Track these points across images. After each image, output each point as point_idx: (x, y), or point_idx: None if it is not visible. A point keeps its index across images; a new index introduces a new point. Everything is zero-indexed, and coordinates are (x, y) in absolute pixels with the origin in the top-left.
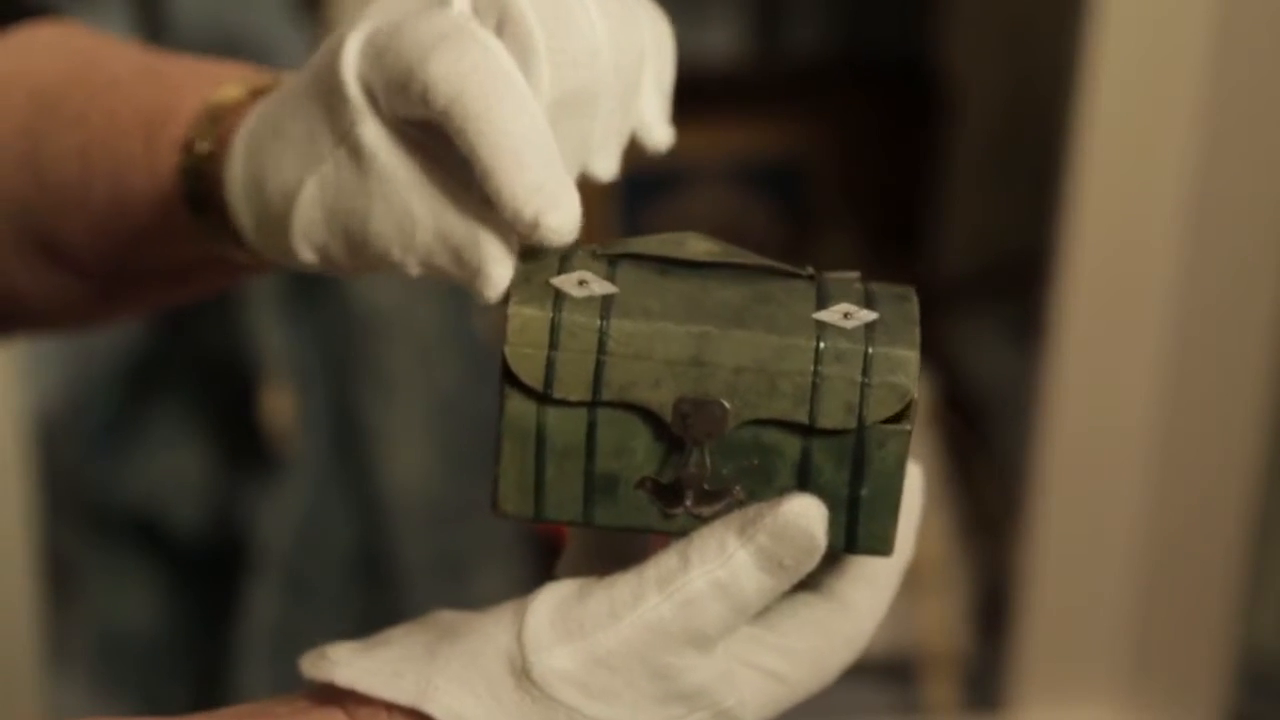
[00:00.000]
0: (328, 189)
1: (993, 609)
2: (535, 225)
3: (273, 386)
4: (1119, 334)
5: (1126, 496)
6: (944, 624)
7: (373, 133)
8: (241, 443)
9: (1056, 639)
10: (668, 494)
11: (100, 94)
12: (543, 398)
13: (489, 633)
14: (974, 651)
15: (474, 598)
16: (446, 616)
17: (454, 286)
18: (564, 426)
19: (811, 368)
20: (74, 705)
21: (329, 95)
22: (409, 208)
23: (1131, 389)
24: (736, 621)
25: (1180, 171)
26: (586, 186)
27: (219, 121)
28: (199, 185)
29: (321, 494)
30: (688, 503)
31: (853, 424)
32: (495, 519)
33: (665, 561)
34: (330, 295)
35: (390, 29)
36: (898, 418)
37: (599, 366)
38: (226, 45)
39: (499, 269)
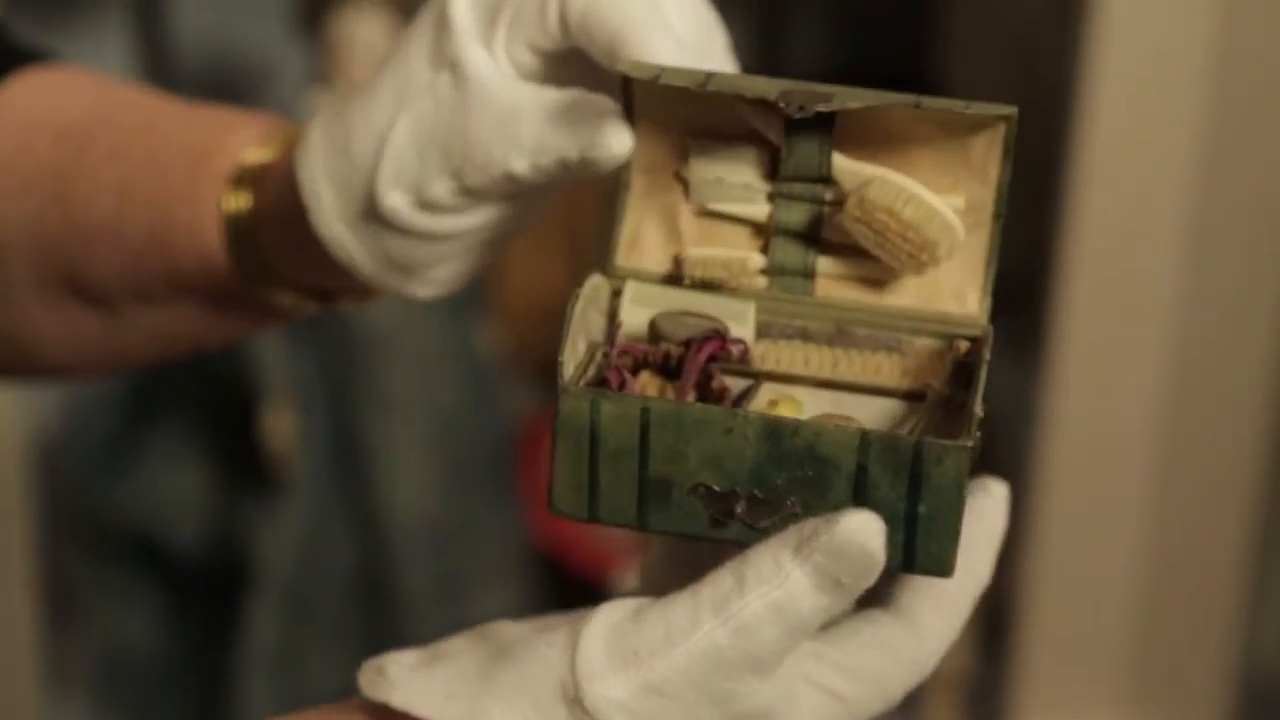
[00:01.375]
0: (424, 116)
1: (995, 626)
2: None
3: (273, 407)
4: (1120, 350)
5: (1128, 513)
6: None
7: (477, 54)
8: (242, 463)
9: (1059, 656)
10: (720, 501)
11: (139, 133)
12: (596, 394)
13: (542, 655)
14: (976, 668)
15: (474, 618)
16: (504, 630)
17: (454, 305)
18: (618, 428)
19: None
20: None
21: (433, 33)
22: (511, 101)
23: (1133, 405)
24: (795, 643)
25: (1181, 190)
26: (582, 195)
27: (261, 175)
28: (242, 236)
29: (322, 514)
30: (739, 511)
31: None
32: (496, 535)
33: (721, 582)
34: (331, 316)
35: None
36: (957, 432)
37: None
38: (227, 64)
39: (618, 122)
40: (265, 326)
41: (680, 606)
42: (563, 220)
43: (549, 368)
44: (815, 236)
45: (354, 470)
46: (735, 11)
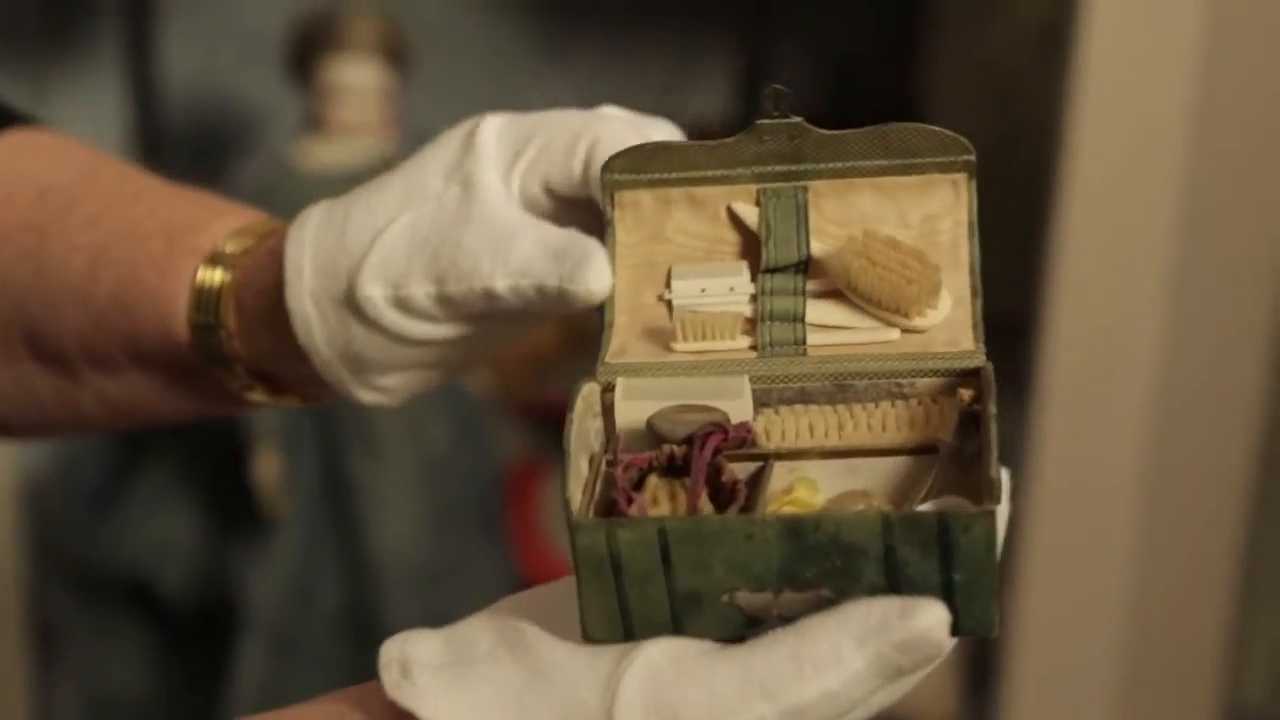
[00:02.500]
0: (424, 219)
1: (981, 667)
2: None
3: (262, 449)
4: (1105, 391)
5: (1114, 552)
6: (933, 683)
7: (492, 177)
8: (230, 505)
9: (1044, 698)
10: (753, 604)
11: (123, 202)
12: (610, 524)
13: (580, 693)
14: (963, 710)
15: None
16: (541, 647)
17: None
18: (638, 552)
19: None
20: None
21: (457, 151)
22: (510, 224)
23: (1118, 446)
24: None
25: (1165, 231)
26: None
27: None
28: (206, 308)
29: (310, 555)
30: (775, 612)
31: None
32: (484, 577)
33: (774, 662)
34: None
35: (534, 116)
36: (973, 486)
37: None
38: (219, 108)
39: (601, 262)
40: (213, 411)
41: (728, 679)
42: None
43: (536, 410)
44: (800, 315)
45: (342, 512)
46: (721, 55)
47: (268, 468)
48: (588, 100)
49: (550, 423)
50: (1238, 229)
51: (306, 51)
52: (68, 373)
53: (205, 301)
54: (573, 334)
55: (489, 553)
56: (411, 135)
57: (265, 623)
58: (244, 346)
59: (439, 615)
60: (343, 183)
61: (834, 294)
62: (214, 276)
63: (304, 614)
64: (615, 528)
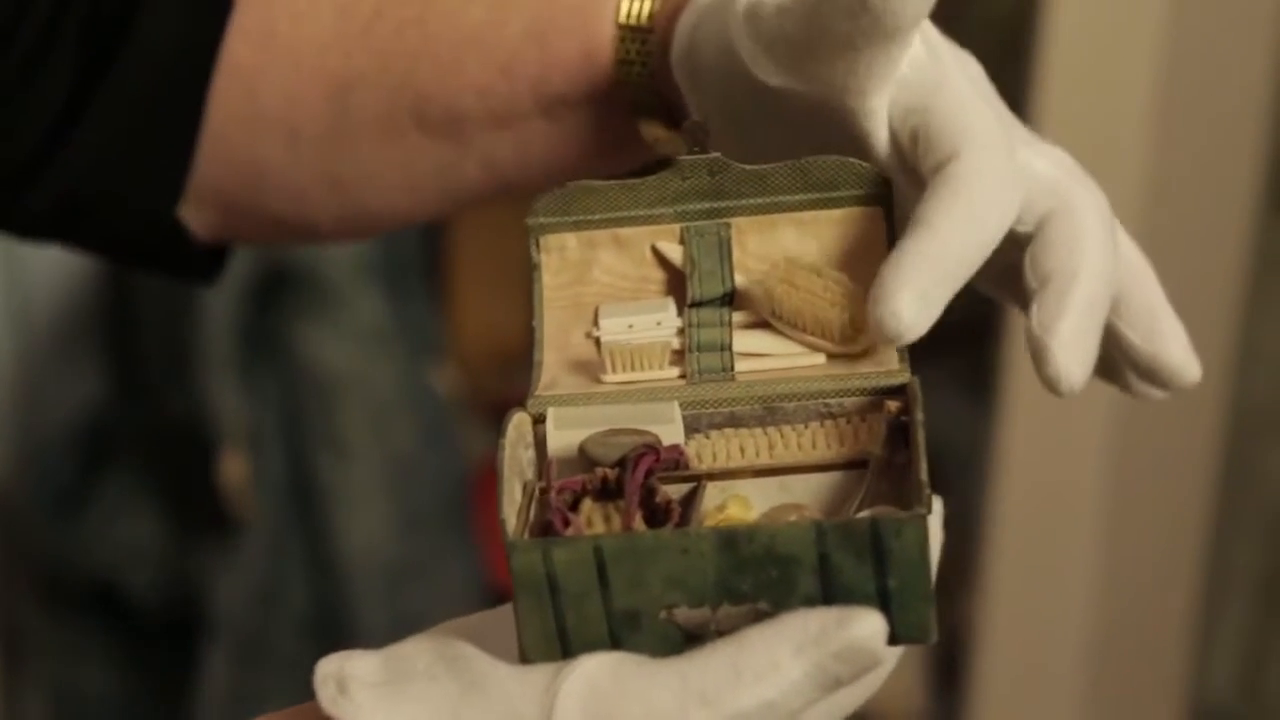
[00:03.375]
0: None
1: (948, 666)
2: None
3: (228, 451)
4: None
5: (1079, 551)
6: (899, 683)
7: None
8: (198, 508)
9: (1012, 694)
10: (691, 619)
11: None
12: (545, 543)
13: (517, 706)
14: (930, 709)
15: None
16: (478, 664)
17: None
18: (574, 571)
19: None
20: None
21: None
22: None
23: (1083, 443)
24: None
25: (1126, 226)
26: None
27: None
28: (636, 31)
29: (278, 558)
30: (712, 626)
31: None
32: (453, 577)
33: (712, 671)
34: (285, 358)
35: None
36: (906, 497)
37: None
38: None
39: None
40: (604, 163)
41: (666, 688)
42: (523, 264)
43: (504, 410)
44: (728, 344)
45: (309, 513)
46: None
47: (234, 470)
48: None
49: None
50: (1205, 231)
51: None
52: (456, 138)
53: (632, 29)
54: None
55: (458, 553)
56: None
57: (232, 625)
58: (670, 82)
59: (408, 616)
60: None
61: (760, 325)
62: (641, 4)
63: (271, 616)
64: (550, 547)
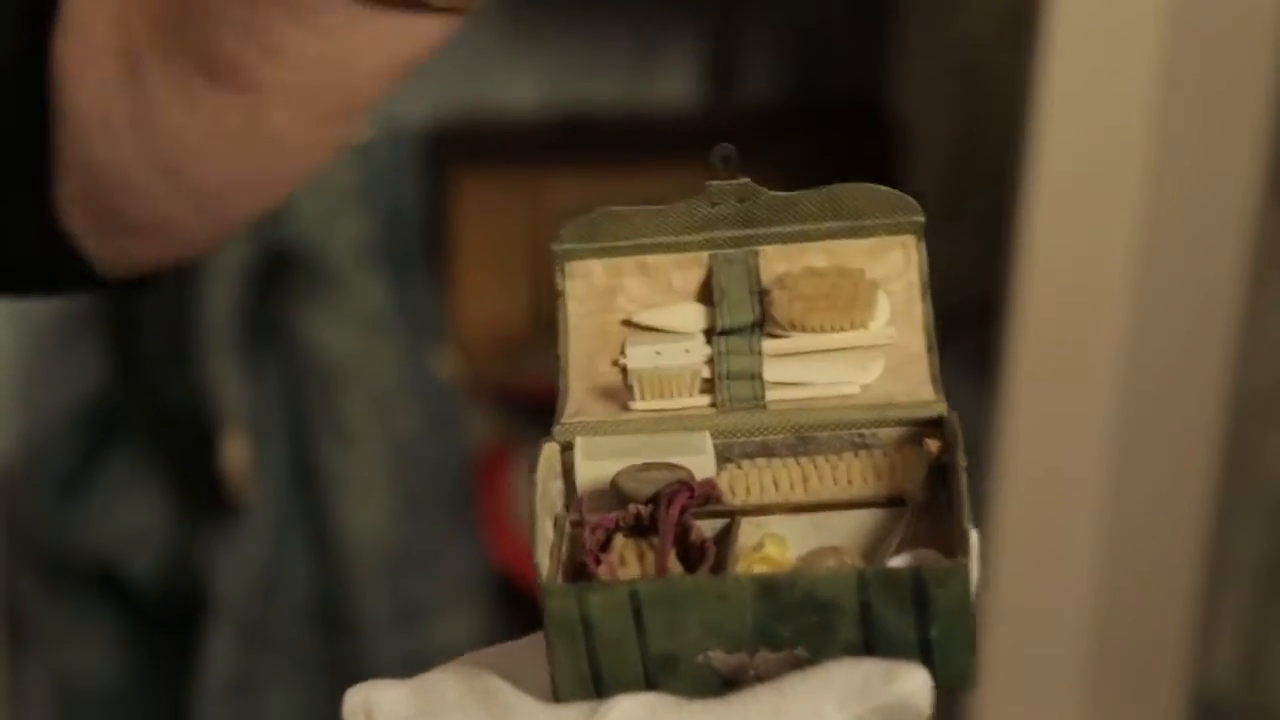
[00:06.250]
0: None
1: None
2: None
3: (230, 435)
4: (1073, 374)
5: (1080, 540)
6: None
7: None
8: (200, 492)
9: (1012, 682)
10: (729, 664)
11: None
12: (581, 588)
13: None
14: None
15: (434, 645)
16: (510, 700)
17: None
18: (610, 616)
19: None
20: None
21: None
22: None
23: (1085, 428)
24: None
25: (1130, 213)
26: (541, 226)
27: None
28: None
29: (280, 542)
30: (751, 673)
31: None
32: (455, 564)
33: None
34: (287, 343)
35: None
36: (946, 539)
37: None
38: None
39: None
40: (397, 63)
41: None
42: (524, 250)
43: (507, 395)
44: (758, 372)
45: (311, 498)
46: (687, 38)
47: (236, 454)
48: (553, 83)
49: (521, 408)
50: (1206, 212)
51: None
52: (245, 82)
53: None
54: (543, 316)
55: (460, 539)
56: (378, 119)
57: (234, 610)
58: None
59: (410, 602)
60: None
61: (788, 354)
62: None
63: (273, 601)
64: (586, 592)
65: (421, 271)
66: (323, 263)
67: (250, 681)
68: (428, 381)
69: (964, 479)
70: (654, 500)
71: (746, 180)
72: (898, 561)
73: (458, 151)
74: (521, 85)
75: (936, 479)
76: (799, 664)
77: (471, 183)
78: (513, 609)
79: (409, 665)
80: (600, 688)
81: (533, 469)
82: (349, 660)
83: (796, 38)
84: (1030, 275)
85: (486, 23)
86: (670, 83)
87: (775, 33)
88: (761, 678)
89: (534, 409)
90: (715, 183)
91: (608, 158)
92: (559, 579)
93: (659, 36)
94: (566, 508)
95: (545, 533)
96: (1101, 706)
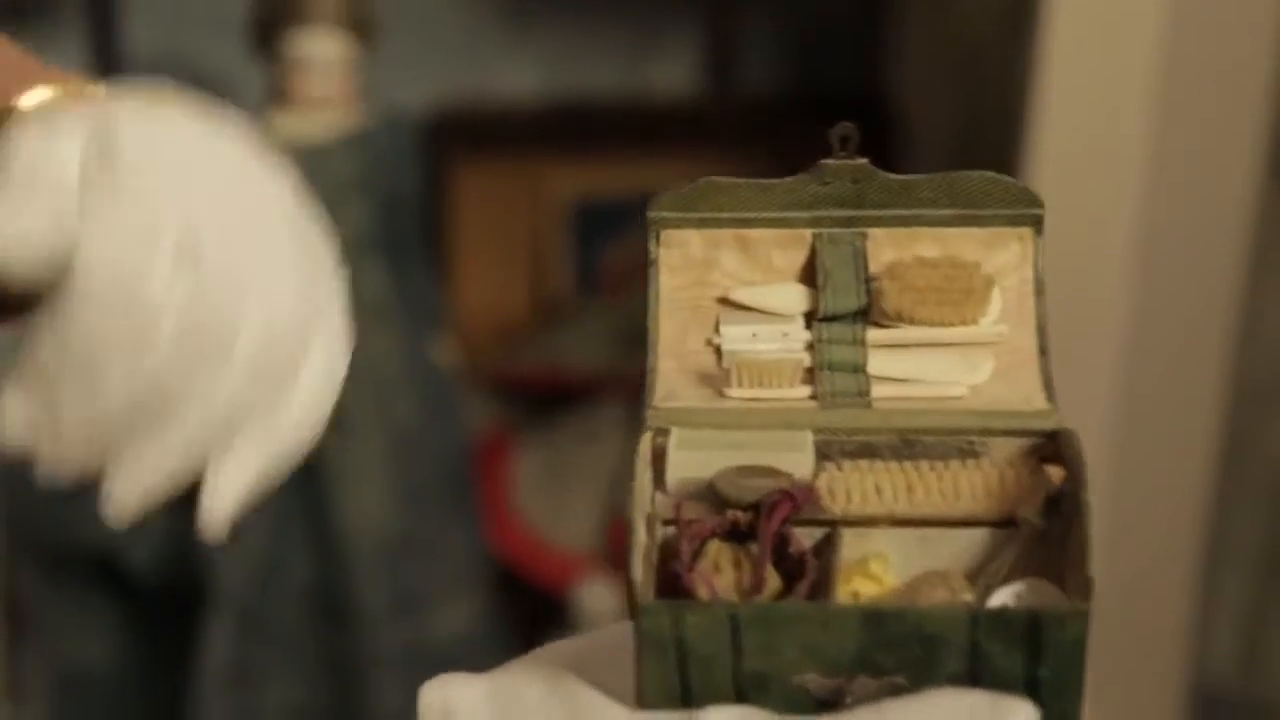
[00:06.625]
0: None
1: None
2: None
3: None
4: (1073, 362)
5: None
6: None
7: None
8: (199, 481)
9: None
10: (826, 687)
11: None
12: (678, 608)
13: None
14: None
15: (433, 633)
16: (590, 704)
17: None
18: (706, 637)
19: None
20: None
21: None
22: None
23: (1085, 415)
24: None
25: (1129, 203)
26: (540, 214)
27: None
28: None
29: (279, 532)
30: (848, 700)
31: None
32: (455, 551)
33: None
34: None
35: None
36: (1055, 567)
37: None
38: (183, 81)
39: None
40: None
41: None
42: (523, 238)
43: (506, 383)
44: (862, 365)
45: (311, 488)
46: (686, 28)
47: None
48: (553, 72)
49: (519, 396)
50: (1204, 203)
51: (270, 24)
52: None
53: None
54: (542, 305)
55: (460, 527)
56: (376, 108)
57: (234, 599)
58: None
59: (410, 589)
60: (307, 156)
61: (893, 346)
62: None
63: (273, 590)
64: (683, 612)
65: (420, 259)
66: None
67: (249, 670)
68: (427, 369)
69: (1091, 516)
70: (754, 508)
71: (864, 161)
72: (1007, 591)
73: (457, 140)
74: (521, 74)
75: (1049, 505)
76: (897, 691)
77: (471, 171)
78: (512, 597)
79: (409, 654)
80: (689, 700)
81: (633, 473)
82: (348, 649)
83: (795, 28)
84: None
85: (487, 11)
86: (670, 72)
87: (774, 23)
88: (858, 702)
89: (533, 397)
90: (830, 160)
91: (607, 146)
92: (651, 587)
93: (659, 26)
94: (653, 502)
95: (639, 538)
96: (1100, 695)
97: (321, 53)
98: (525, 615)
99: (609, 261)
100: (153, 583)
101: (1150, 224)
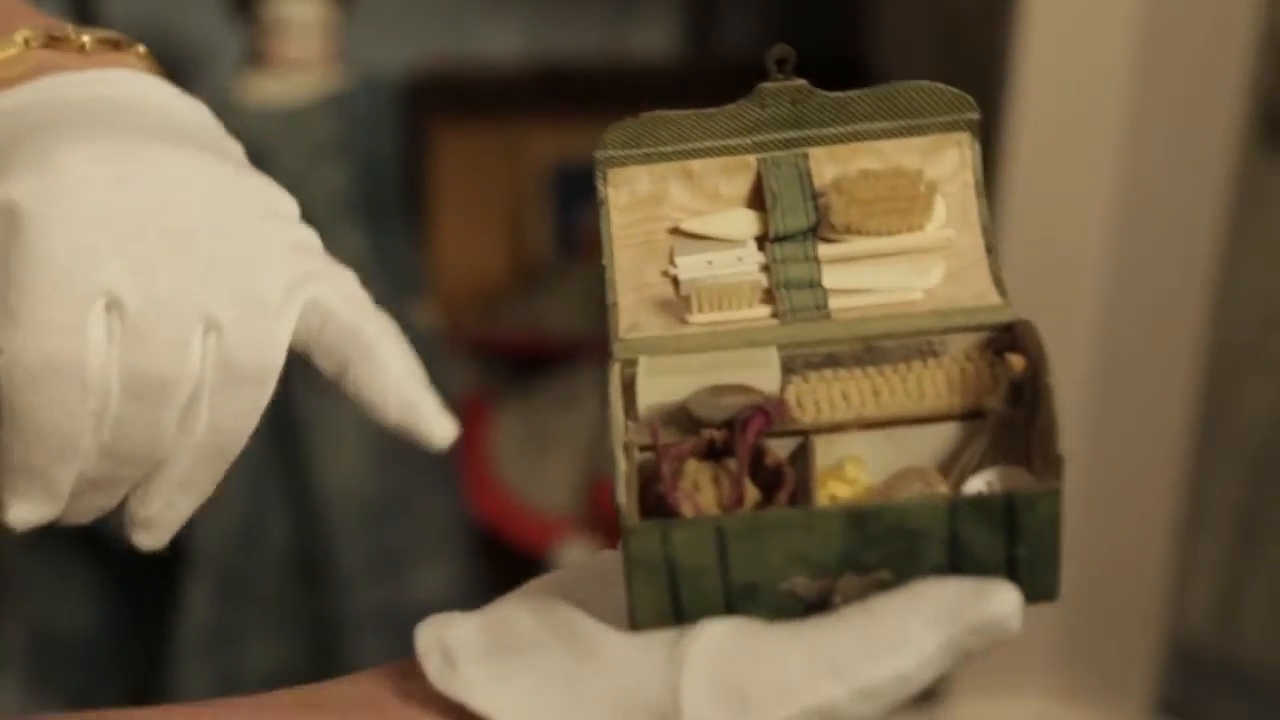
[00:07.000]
0: None
1: None
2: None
3: None
4: (1053, 323)
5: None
6: None
7: None
8: None
9: None
10: (814, 590)
11: None
12: (665, 526)
13: (639, 677)
14: None
15: (413, 594)
16: (588, 631)
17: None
18: (693, 551)
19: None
20: (7, 705)
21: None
22: None
23: (1065, 378)
24: (903, 701)
25: (1110, 167)
26: (519, 177)
27: None
28: None
29: (258, 493)
30: (836, 599)
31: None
32: (434, 513)
33: (843, 643)
34: None
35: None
36: (1024, 453)
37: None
38: (160, 45)
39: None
40: None
41: (796, 658)
42: (503, 201)
43: (485, 345)
44: (818, 280)
45: (290, 449)
46: None
47: None
48: (532, 34)
49: (499, 358)
50: (1183, 171)
51: None
52: None
53: None
54: (521, 268)
55: (439, 488)
56: (355, 70)
57: (213, 561)
58: None
59: (389, 551)
60: (285, 118)
61: (846, 259)
62: None
63: (252, 552)
64: (670, 529)
65: (399, 222)
66: (299, 214)
67: (228, 632)
68: (406, 332)
69: (1056, 402)
70: (728, 425)
71: (802, 81)
72: (980, 479)
73: (436, 102)
74: (501, 36)
75: (1012, 393)
76: (883, 586)
77: (450, 133)
78: (492, 558)
79: (388, 615)
80: (680, 617)
81: (609, 402)
82: (327, 611)
83: None
84: (1011, 228)
85: None
86: (649, 34)
87: None
88: (846, 601)
89: (513, 360)
90: (768, 84)
91: (587, 109)
92: (636, 510)
93: None
94: (627, 429)
95: (620, 465)
96: (1079, 653)
97: (300, 14)
98: (504, 577)
99: (589, 224)
100: (131, 545)
101: (1130, 186)
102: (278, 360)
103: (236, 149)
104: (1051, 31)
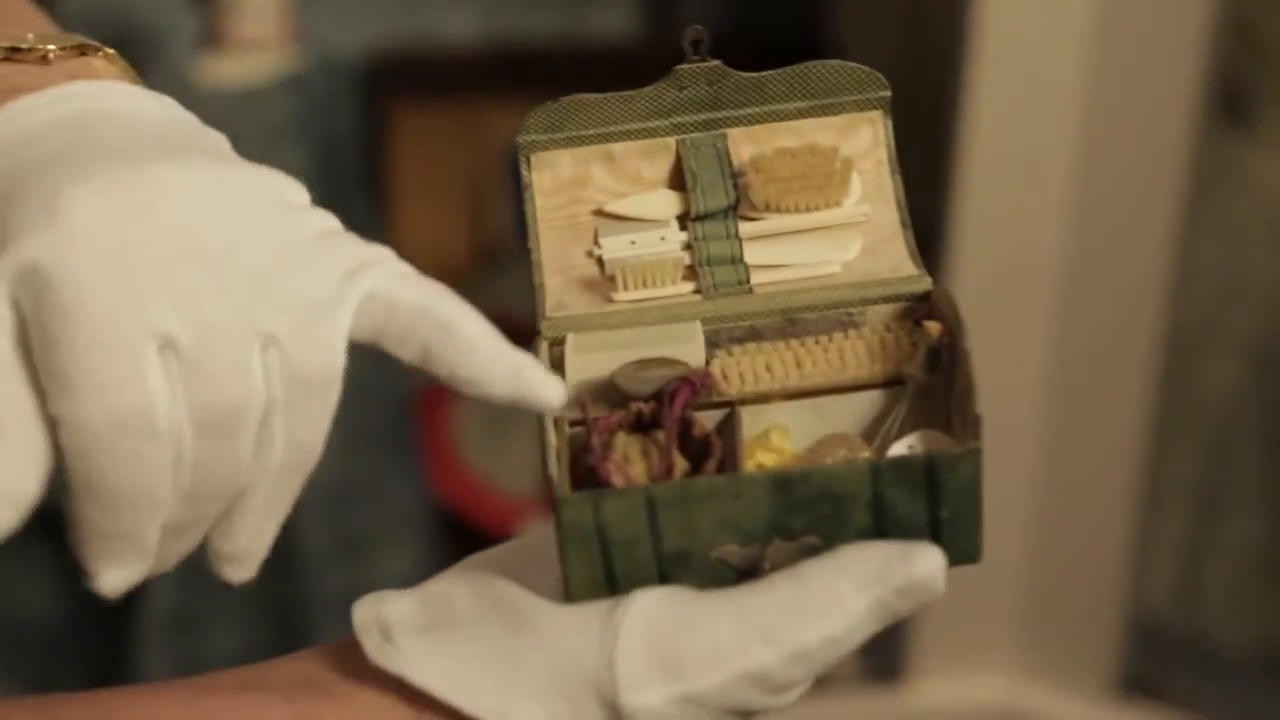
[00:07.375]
0: None
1: None
2: None
3: None
4: (1011, 301)
5: (1017, 464)
6: None
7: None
8: None
9: (951, 608)
10: (744, 557)
11: None
12: (596, 496)
13: (574, 647)
14: None
15: (377, 578)
16: (523, 603)
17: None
18: (624, 521)
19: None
20: None
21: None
22: None
23: (1023, 352)
24: (834, 664)
25: (1068, 145)
26: (479, 158)
27: None
28: None
29: None
30: (766, 565)
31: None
32: (397, 497)
33: (773, 607)
34: None
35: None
36: (943, 419)
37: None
38: (115, 25)
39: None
40: None
41: (728, 624)
42: (463, 182)
43: None
44: (739, 256)
45: None
46: None
47: None
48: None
49: None
50: (1141, 150)
51: None
52: None
53: None
54: (483, 249)
55: (402, 472)
56: (312, 50)
57: None
58: None
59: (351, 533)
60: (242, 99)
61: (766, 235)
62: None
63: None
64: (602, 499)
65: (359, 203)
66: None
67: (191, 617)
68: None
69: (972, 365)
70: (655, 397)
71: (718, 63)
72: (902, 444)
73: (395, 82)
74: (459, 16)
75: (932, 359)
76: (812, 551)
77: (409, 114)
78: (455, 541)
79: (352, 599)
80: (614, 587)
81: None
82: (291, 595)
83: None
84: (969, 206)
85: None
86: (608, 15)
87: None
88: (775, 567)
89: None
90: (685, 66)
91: (546, 89)
92: (567, 483)
93: None
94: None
95: (550, 438)
96: (1040, 629)
97: None
98: None
99: None
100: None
101: (1088, 165)
102: (340, 359)
103: (220, 140)
104: (1010, 10)
